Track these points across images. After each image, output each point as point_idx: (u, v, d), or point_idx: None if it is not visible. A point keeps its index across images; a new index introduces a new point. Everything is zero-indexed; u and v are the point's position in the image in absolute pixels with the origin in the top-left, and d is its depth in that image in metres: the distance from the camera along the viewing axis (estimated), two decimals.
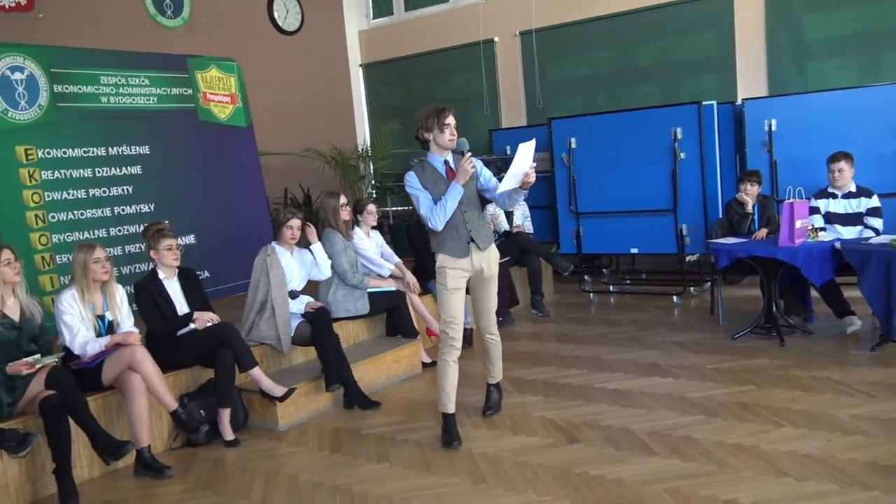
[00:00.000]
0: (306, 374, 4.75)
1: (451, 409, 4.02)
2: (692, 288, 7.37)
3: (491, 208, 7.29)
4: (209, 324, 4.36)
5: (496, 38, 9.68)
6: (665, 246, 7.08)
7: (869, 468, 3.27)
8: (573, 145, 7.36)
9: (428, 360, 5.54)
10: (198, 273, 5.15)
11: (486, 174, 4.04)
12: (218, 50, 7.19)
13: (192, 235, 6.08)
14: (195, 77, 6.38)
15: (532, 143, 3.75)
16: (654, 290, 7.62)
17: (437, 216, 3.85)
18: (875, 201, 5.55)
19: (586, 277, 8.32)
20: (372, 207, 5.90)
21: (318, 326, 4.72)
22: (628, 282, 8.22)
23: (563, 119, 7.60)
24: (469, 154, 3.85)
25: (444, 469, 3.69)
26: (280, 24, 9.64)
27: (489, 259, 4.02)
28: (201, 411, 4.24)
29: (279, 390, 4.33)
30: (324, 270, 5.16)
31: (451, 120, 3.89)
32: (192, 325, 4.34)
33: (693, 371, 4.89)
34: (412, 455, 3.91)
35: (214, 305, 4.74)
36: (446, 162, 3.96)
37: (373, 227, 5.98)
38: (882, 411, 3.90)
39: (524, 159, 3.72)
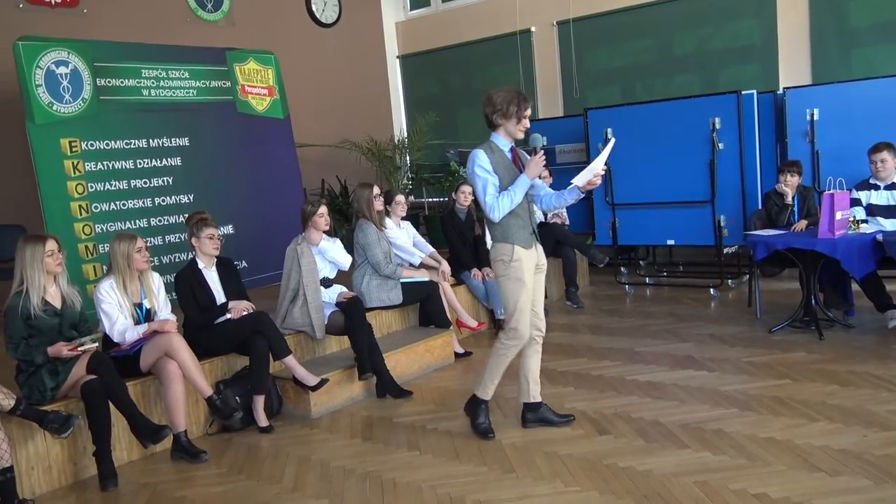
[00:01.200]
0: (339, 363, 4.81)
1: (490, 395, 4.03)
2: (730, 280, 7.26)
3: None
4: (244, 313, 4.44)
5: (533, 28, 9.63)
6: (702, 238, 6.99)
7: None
8: (609, 136, 7.29)
9: (461, 350, 5.57)
10: (235, 263, 5.25)
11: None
12: (256, 43, 7.30)
13: (230, 226, 6.19)
14: (234, 70, 6.48)
15: (613, 141, 3.75)
16: (691, 283, 7.53)
17: (502, 206, 3.69)
18: None
19: (622, 269, 8.26)
20: (400, 198, 5.94)
21: (352, 316, 4.77)
22: (665, 274, 8.13)
23: (600, 109, 7.54)
24: (542, 150, 3.75)
25: (473, 458, 3.71)
26: (318, 16, 9.72)
27: (541, 251, 3.97)
28: (236, 398, 4.33)
29: (312, 379, 4.40)
30: (344, 263, 5.17)
31: (529, 111, 3.75)
32: (227, 315, 4.42)
33: (728, 364, 4.83)
34: (442, 444, 3.94)
35: (252, 295, 4.82)
36: (513, 149, 3.82)
37: (403, 219, 6.01)
38: None
39: (603, 157, 3.66)
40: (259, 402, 4.36)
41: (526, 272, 3.78)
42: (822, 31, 7.77)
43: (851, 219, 5.26)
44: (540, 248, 3.95)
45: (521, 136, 3.78)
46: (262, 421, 4.36)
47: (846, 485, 3.07)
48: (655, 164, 7.06)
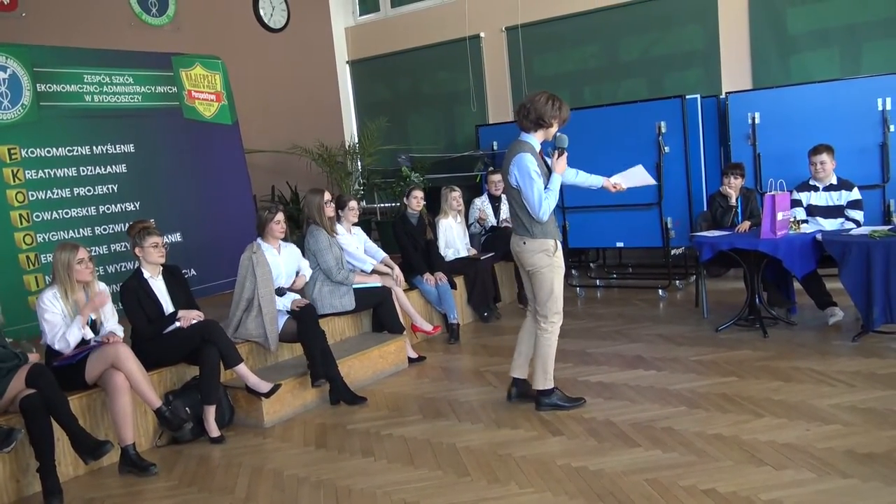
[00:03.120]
0: (292, 371, 4.76)
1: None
2: (678, 281, 7.40)
3: (479, 203, 7.32)
4: (194, 321, 4.35)
5: (482, 34, 9.68)
6: (650, 240, 7.12)
7: (847, 456, 3.30)
8: (564, 143, 7.35)
9: (414, 355, 5.56)
10: (184, 271, 5.15)
11: None
12: (203, 48, 7.18)
13: (178, 234, 6.07)
14: (180, 75, 6.36)
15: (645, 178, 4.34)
16: (640, 284, 7.65)
17: (550, 205, 4.00)
18: (856, 194, 5.59)
19: (573, 272, 8.34)
20: (353, 203, 5.92)
21: (305, 323, 4.73)
22: (615, 276, 8.24)
23: None
24: (566, 151, 4.06)
25: (428, 462, 3.71)
26: (266, 21, 9.62)
27: None
28: (186, 409, 4.25)
29: (265, 386, 4.34)
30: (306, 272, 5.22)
31: (567, 116, 4.07)
32: (177, 324, 4.34)
33: (676, 363, 4.92)
34: (397, 449, 3.92)
35: (202, 304, 4.74)
36: (541, 152, 4.10)
37: (354, 224, 5.99)
38: (860, 401, 3.94)
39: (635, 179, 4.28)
40: (210, 412, 4.28)
41: (562, 261, 4.15)
42: (762, 38, 7.98)
43: (792, 219, 5.41)
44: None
45: (552, 137, 4.09)
46: (214, 431, 4.28)
47: (791, 478, 3.15)
48: (604, 168, 7.01)
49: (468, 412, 4.38)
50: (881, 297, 4.74)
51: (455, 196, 6.66)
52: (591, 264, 8.82)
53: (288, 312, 4.87)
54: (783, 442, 3.52)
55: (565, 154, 4.05)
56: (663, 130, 6.87)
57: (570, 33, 9.04)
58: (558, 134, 4.05)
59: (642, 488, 3.19)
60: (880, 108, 6.38)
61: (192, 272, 6.01)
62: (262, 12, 9.54)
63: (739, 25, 8.07)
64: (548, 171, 4.08)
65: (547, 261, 4.09)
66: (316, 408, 4.73)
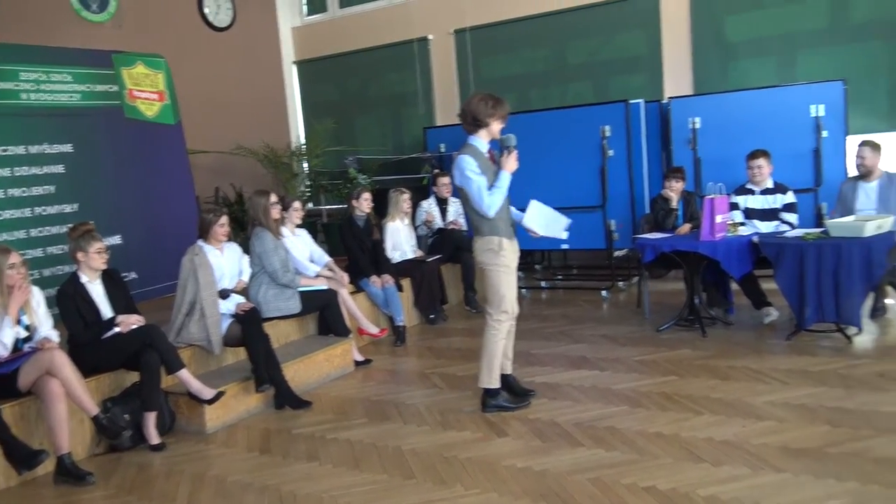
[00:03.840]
0: (236, 375, 4.70)
1: (508, 369, 4.45)
2: (621, 282, 7.53)
3: (426, 205, 7.33)
4: (134, 326, 4.26)
5: (430, 37, 9.70)
6: (595, 242, 7.23)
7: (780, 452, 3.41)
8: (512, 142, 7.41)
9: (360, 358, 5.54)
10: (124, 275, 5.02)
11: None
12: (146, 46, 7.02)
13: (118, 236, 5.93)
14: (121, 73, 6.22)
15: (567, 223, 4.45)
16: (584, 286, 7.76)
17: (496, 202, 4.05)
18: (790, 197, 5.77)
19: (519, 274, 8.40)
20: (297, 204, 5.88)
21: (249, 327, 4.67)
22: (560, 277, 8.35)
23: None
24: (515, 149, 4.11)
25: (373, 466, 3.70)
26: (210, 20, 9.46)
27: (517, 244, 4.31)
28: (126, 416, 4.15)
29: (208, 393, 4.28)
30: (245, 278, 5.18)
31: (505, 114, 4.14)
32: (115, 329, 4.23)
33: (619, 363, 5.01)
34: (342, 453, 3.90)
35: (143, 307, 4.64)
36: (490, 150, 4.17)
37: (299, 226, 5.95)
38: (794, 397, 4.07)
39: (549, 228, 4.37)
40: (150, 418, 4.19)
41: (511, 259, 4.19)
42: (703, 45, 8.17)
43: (730, 222, 5.56)
44: (516, 240, 4.29)
45: (498, 136, 4.12)
46: (154, 438, 4.19)
47: (727, 473, 3.24)
48: (550, 171, 7.24)
49: (414, 415, 4.39)
50: (813, 297, 4.90)
51: (405, 199, 6.66)
52: (537, 266, 8.91)
53: (232, 316, 4.81)
54: (720, 439, 3.62)
55: (515, 153, 4.09)
56: (608, 134, 7.00)
57: (518, 37, 9.12)
58: (504, 135, 4.12)
59: (585, 487, 3.25)
60: (813, 114, 6.61)
61: (133, 275, 5.88)
62: (206, 11, 9.39)
63: (681, 32, 8.25)
64: (497, 170, 4.12)
65: (492, 258, 4.16)
66: (260, 413, 4.67)
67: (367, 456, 3.84)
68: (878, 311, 5.53)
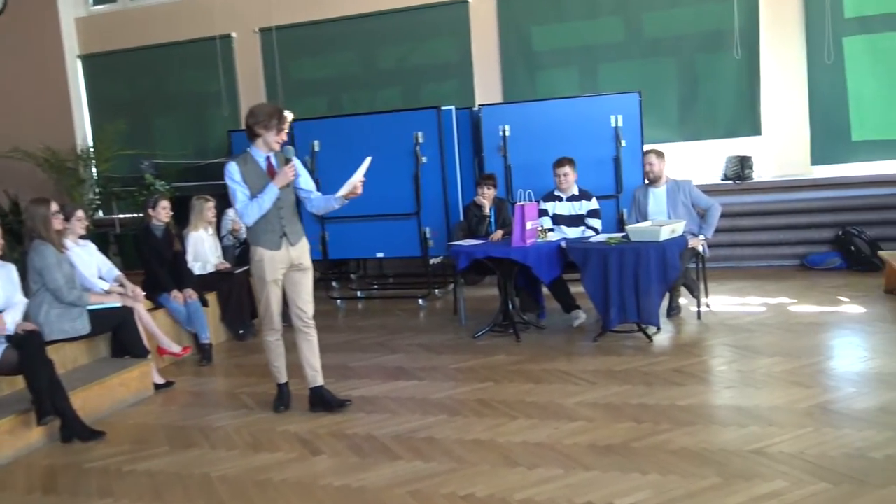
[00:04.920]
0: (12, 407, 4.27)
1: (283, 379, 4.59)
2: (437, 290, 7.72)
3: (231, 213, 7.11)
4: None
5: (234, 34, 9.44)
6: (410, 249, 7.35)
7: (589, 450, 3.64)
8: (317, 148, 7.38)
9: (161, 381, 5.25)
10: None
11: (306, 179, 4.39)
12: None
13: None
14: None
15: (370, 159, 4.23)
16: (400, 294, 7.87)
17: (251, 213, 4.18)
18: (594, 203, 6.20)
19: (334, 284, 8.39)
20: (80, 214, 5.49)
21: (28, 352, 4.26)
22: (376, 287, 8.41)
23: (307, 120, 7.59)
24: (293, 162, 4.21)
25: (177, 498, 3.52)
26: None
27: (302, 252, 4.39)
28: None
29: None
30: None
31: (286, 126, 4.23)
32: None
33: (437, 372, 5.12)
34: (141, 487, 3.67)
35: None
36: (268, 158, 4.26)
37: (83, 237, 5.55)
38: (601, 397, 4.37)
39: (361, 171, 4.19)
40: None
41: (268, 272, 4.28)
42: (511, 54, 8.59)
43: (540, 228, 5.87)
44: (300, 249, 4.37)
45: (277, 147, 4.23)
46: None
47: (541, 476, 3.42)
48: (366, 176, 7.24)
49: (223, 438, 4.22)
50: (616, 299, 5.29)
51: (209, 207, 6.43)
52: (352, 276, 8.92)
53: (7, 340, 4.37)
54: (535, 442, 3.80)
55: (292, 164, 4.20)
56: (420, 140, 7.14)
57: (327, 39, 9.11)
58: (286, 146, 4.27)
59: (405, 500, 3.28)
60: (613, 124, 7.12)
61: None
62: None
63: (490, 41, 8.63)
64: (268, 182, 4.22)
65: (256, 271, 4.34)
66: (44, 447, 4.28)
67: (170, 487, 3.64)
68: (673, 311, 6.07)
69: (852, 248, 7.29)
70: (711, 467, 3.34)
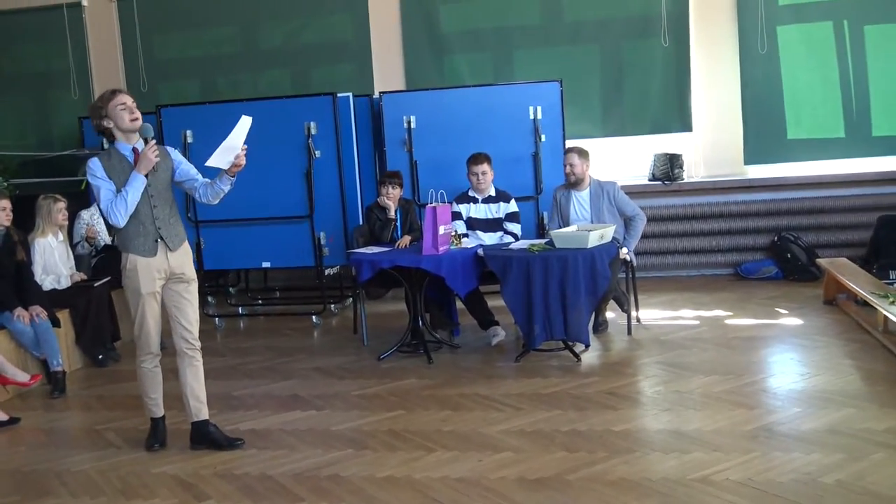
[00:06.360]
0: None
1: (159, 412, 4.45)
2: (333, 305, 7.67)
3: (86, 216, 6.88)
4: None
5: (84, 2, 9.11)
6: (301, 258, 7.26)
7: (518, 484, 3.70)
8: (189, 139, 7.20)
9: (5, 417, 4.99)
10: None
11: (187, 166, 4.34)
12: None
13: None
14: None
15: (249, 119, 4.12)
16: (290, 311, 7.78)
17: (117, 210, 4.05)
18: (513, 206, 6.32)
19: (210, 299, 8.20)
20: None
21: None
22: (260, 302, 8.28)
23: (176, 107, 7.40)
24: (153, 140, 4.08)
25: None
26: None
27: (183, 259, 4.31)
28: None
29: None
30: None
31: (124, 99, 4.08)
32: None
33: (338, 400, 5.10)
34: None
35: None
36: (136, 149, 4.14)
37: None
38: (528, 423, 4.46)
39: (239, 135, 4.09)
40: None
41: (143, 283, 4.17)
42: (414, 35, 8.65)
43: (453, 233, 5.93)
44: (179, 256, 4.28)
45: (135, 126, 4.08)
46: None
47: None
48: (245, 174, 7.06)
49: (84, 485, 4.05)
50: (541, 314, 5.40)
51: (59, 208, 6.19)
52: (231, 289, 8.74)
53: None
54: (456, 476, 3.84)
55: (152, 146, 4.06)
56: (313, 132, 7.07)
57: (201, 10, 8.96)
58: (144, 124, 4.13)
59: None
60: (532, 116, 7.27)
61: None
62: None
63: (391, 19, 8.67)
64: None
65: (129, 282, 4.24)
66: None
67: None
68: (600, 327, 6.26)
69: (789, 256, 7.71)
70: (654, 499, 3.46)
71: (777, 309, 6.66)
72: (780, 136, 8.16)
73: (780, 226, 7.98)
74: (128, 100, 4.10)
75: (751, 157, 8.23)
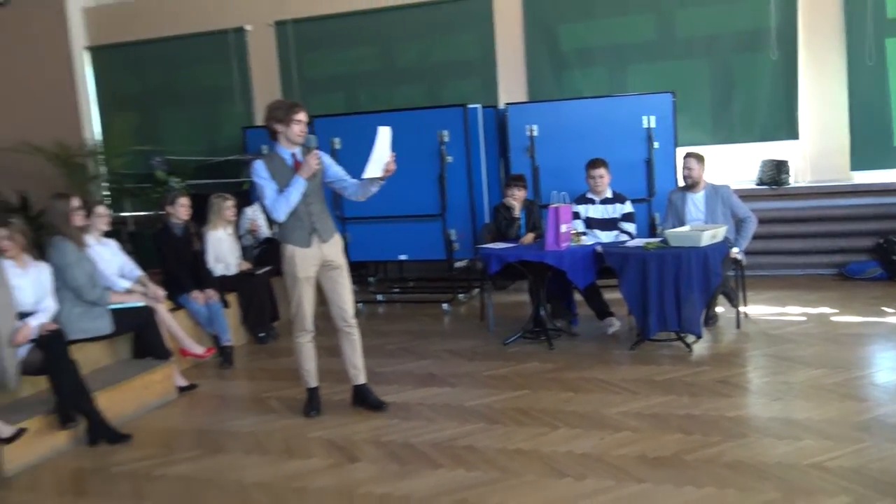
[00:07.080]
0: (37, 408, 4.29)
1: (313, 383, 4.64)
2: (461, 295, 7.74)
3: (250, 212, 7.15)
4: None
5: (248, 27, 9.47)
6: (434, 252, 7.37)
7: (639, 462, 3.66)
8: (337, 146, 7.41)
9: (184, 383, 5.28)
10: None
11: (336, 168, 4.51)
12: None
13: None
14: None
15: (389, 129, 4.26)
16: (423, 299, 7.89)
17: (280, 208, 4.27)
18: (629, 207, 6.22)
19: (354, 287, 8.38)
20: (102, 209, 5.55)
21: (51, 352, 4.30)
22: (397, 290, 8.43)
23: (325, 118, 7.62)
24: (316, 150, 4.30)
25: (212, 502, 3.54)
26: None
27: (334, 249, 4.50)
28: None
29: (6, 430, 3.90)
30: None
31: (302, 116, 4.29)
32: None
33: (469, 379, 5.15)
34: (175, 492, 3.71)
35: None
36: (294, 155, 4.36)
37: (105, 234, 5.59)
38: (645, 406, 4.39)
39: (383, 145, 4.23)
40: None
41: (300, 269, 4.38)
42: (536, 52, 8.60)
43: (573, 231, 5.89)
44: (331, 246, 4.48)
45: (300, 140, 4.33)
46: None
47: (592, 487, 3.44)
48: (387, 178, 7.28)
49: (254, 444, 4.25)
50: (656, 306, 5.31)
51: (228, 205, 6.46)
52: (371, 279, 8.93)
53: (31, 341, 4.40)
54: (580, 452, 3.82)
55: (315, 154, 4.27)
56: (446, 139, 7.17)
57: (345, 33, 9.13)
58: (309, 135, 4.35)
59: None
60: (645, 125, 7.16)
61: None
62: None
63: (514, 38, 8.64)
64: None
65: (288, 269, 4.43)
66: (71, 450, 4.30)
67: (204, 493, 3.67)
68: (710, 320, 6.08)
69: (894, 258, 7.31)
70: (770, 481, 3.36)
71: (883, 308, 6.31)
72: (887, 142, 7.72)
73: (885, 229, 7.55)
74: (305, 117, 4.31)
75: (857, 163, 7.80)
